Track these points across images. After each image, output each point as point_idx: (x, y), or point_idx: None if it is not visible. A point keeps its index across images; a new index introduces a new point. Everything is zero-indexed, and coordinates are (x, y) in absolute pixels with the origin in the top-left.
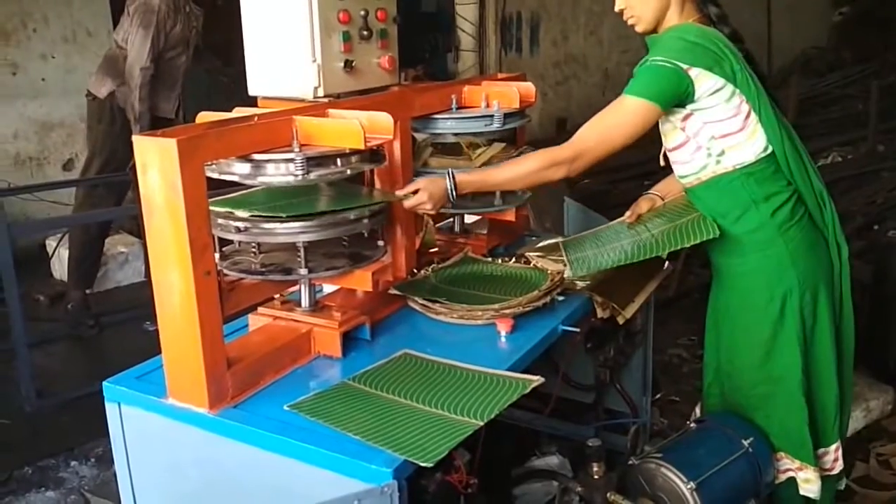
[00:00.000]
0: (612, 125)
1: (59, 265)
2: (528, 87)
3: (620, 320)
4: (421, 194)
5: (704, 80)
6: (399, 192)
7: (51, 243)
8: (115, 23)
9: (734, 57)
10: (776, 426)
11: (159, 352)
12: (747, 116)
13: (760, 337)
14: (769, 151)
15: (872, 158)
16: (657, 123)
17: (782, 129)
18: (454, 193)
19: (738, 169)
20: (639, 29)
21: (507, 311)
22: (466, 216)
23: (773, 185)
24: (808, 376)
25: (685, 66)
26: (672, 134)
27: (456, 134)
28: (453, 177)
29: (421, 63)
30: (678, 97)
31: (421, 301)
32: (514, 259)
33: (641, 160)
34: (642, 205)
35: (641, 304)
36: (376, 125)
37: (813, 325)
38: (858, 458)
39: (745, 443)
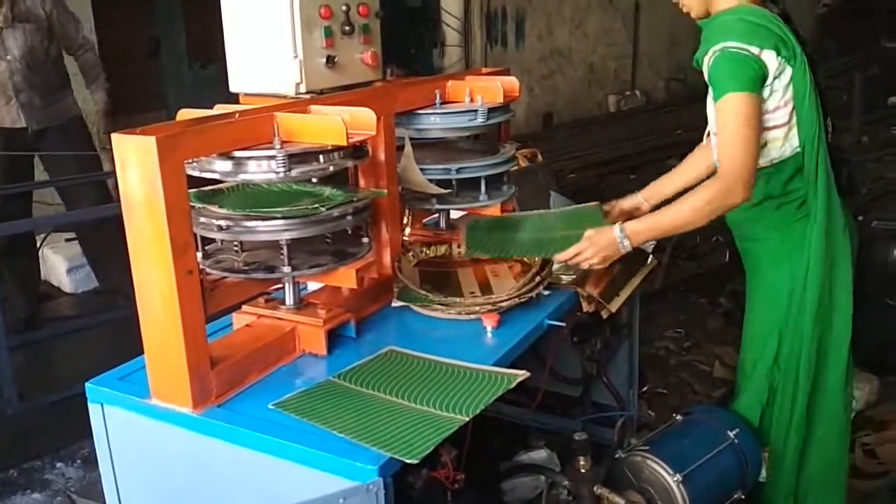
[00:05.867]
0: (741, 130)
1: (44, 265)
2: (512, 81)
3: (605, 314)
4: (583, 244)
5: (772, 64)
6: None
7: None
8: (97, 18)
9: (795, 38)
10: (741, 405)
11: (142, 352)
12: (794, 108)
13: (753, 318)
14: (801, 149)
15: (857, 149)
16: (705, 104)
17: (819, 128)
18: (627, 242)
19: (774, 164)
20: (693, 15)
21: (505, 304)
22: (452, 211)
23: (794, 183)
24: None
25: (756, 51)
26: None
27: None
28: (623, 228)
29: (403, 65)
30: (762, 82)
31: (419, 306)
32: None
33: (628, 153)
34: (625, 204)
35: (627, 298)
36: (359, 121)
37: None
38: None
39: (731, 434)
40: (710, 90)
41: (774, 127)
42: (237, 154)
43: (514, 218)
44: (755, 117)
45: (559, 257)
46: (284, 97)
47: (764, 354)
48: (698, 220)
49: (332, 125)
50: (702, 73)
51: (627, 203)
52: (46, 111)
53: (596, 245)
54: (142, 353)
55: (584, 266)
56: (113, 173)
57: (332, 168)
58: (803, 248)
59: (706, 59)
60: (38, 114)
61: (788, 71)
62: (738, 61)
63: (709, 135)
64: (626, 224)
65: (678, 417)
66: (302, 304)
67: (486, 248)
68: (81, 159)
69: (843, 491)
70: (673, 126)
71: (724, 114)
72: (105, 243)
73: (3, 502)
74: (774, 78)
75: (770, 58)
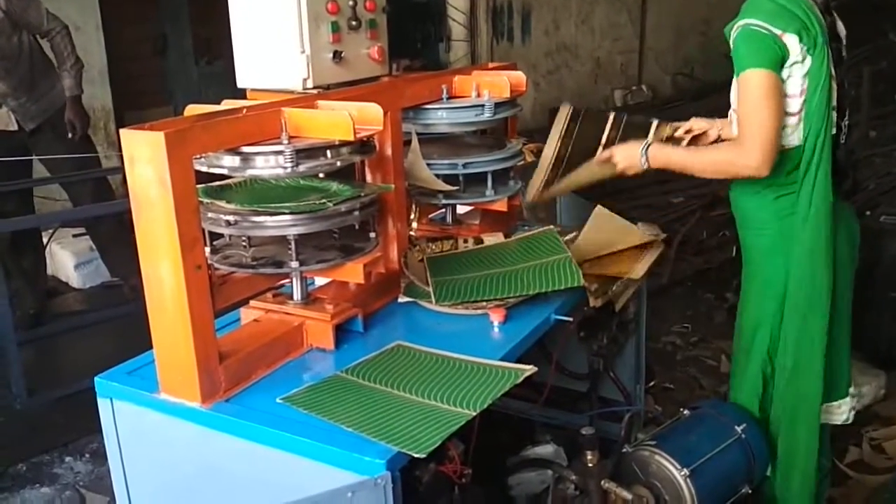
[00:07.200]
0: (760, 102)
1: (51, 260)
2: (519, 76)
3: (593, 301)
4: (613, 149)
5: (793, 48)
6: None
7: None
8: (104, 17)
9: (820, 29)
10: (738, 397)
11: (151, 347)
12: (806, 99)
13: (747, 307)
14: (804, 142)
15: (865, 144)
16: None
17: (825, 124)
18: (646, 157)
19: (780, 152)
20: None
21: (512, 299)
22: (458, 206)
23: (793, 173)
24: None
25: (778, 32)
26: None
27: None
28: (647, 147)
29: (415, 56)
30: (781, 62)
31: (427, 301)
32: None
33: None
34: (699, 123)
35: (632, 292)
36: (366, 116)
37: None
38: (851, 443)
39: (738, 429)
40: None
41: (787, 114)
42: (245, 149)
43: (474, 254)
44: (775, 92)
45: (597, 159)
46: (291, 92)
47: (755, 345)
48: (709, 172)
49: (340, 120)
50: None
51: (702, 123)
52: (38, 105)
53: (622, 151)
54: (150, 347)
55: (609, 171)
56: (117, 169)
57: (339, 163)
58: (797, 242)
59: (732, 33)
60: (30, 111)
61: (808, 60)
62: (758, 39)
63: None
64: (651, 145)
65: (685, 412)
66: (309, 298)
67: (456, 294)
68: (74, 148)
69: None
70: (679, 120)
71: (744, 88)
72: (113, 232)
73: (13, 496)
74: (795, 62)
75: (792, 42)
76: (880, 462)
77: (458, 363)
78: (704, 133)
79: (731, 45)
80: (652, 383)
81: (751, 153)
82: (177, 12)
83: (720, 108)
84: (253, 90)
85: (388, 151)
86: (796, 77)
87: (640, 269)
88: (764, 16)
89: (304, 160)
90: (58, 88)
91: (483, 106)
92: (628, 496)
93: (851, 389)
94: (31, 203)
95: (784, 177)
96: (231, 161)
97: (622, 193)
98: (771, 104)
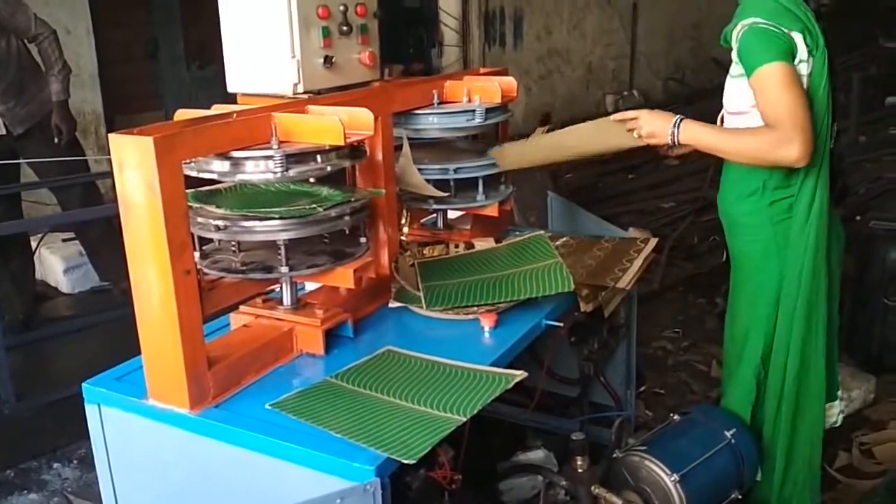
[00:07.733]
0: (785, 92)
1: (40, 265)
2: (510, 81)
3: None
4: (640, 112)
5: (800, 45)
6: (618, 116)
7: (31, 243)
8: (95, 21)
9: (820, 32)
10: (730, 403)
11: (139, 352)
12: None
13: (738, 313)
14: None
15: (854, 149)
16: (724, 82)
17: (826, 126)
18: (677, 132)
19: None
20: None
21: (503, 304)
22: (449, 211)
23: (791, 177)
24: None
25: (786, 29)
26: (739, 98)
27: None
28: (682, 118)
29: (411, 61)
30: (792, 56)
31: (417, 306)
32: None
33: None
34: None
35: (621, 296)
36: (356, 121)
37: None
38: (841, 448)
39: (728, 434)
40: (736, 67)
41: None
42: (235, 154)
43: (465, 259)
44: (795, 83)
45: (616, 116)
46: (282, 97)
47: (746, 350)
48: (741, 156)
49: (330, 125)
50: (724, 55)
51: None
52: (27, 109)
53: (651, 118)
54: (139, 353)
55: (633, 128)
56: (106, 173)
57: (329, 168)
58: (795, 246)
59: (735, 34)
60: (19, 116)
61: (812, 60)
62: (769, 35)
63: (723, 119)
64: (686, 119)
65: (675, 417)
66: (299, 304)
67: (446, 299)
68: (63, 152)
69: (819, 494)
70: None
71: (762, 84)
72: (102, 236)
73: (0, 503)
74: (801, 61)
75: (799, 39)
76: (869, 467)
77: (448, 368)
78: None
79: (736, 46)
80: (643, 388)
81: (791, 141)
82: (168, 16)
83: (711, 113)
84: (243, 95)
85: (379, 156)
86: (803, 77)
87: (626, 278)
88: (768, 14)
89: (294, 165)
90: (46, 93)
91: (474, 111)
92: (618, 501)
93: (840, 392)
94: (20, 207)
95: (781, 180)
96: (221, 166)
97: (613, 199)
98: (794, 93)
